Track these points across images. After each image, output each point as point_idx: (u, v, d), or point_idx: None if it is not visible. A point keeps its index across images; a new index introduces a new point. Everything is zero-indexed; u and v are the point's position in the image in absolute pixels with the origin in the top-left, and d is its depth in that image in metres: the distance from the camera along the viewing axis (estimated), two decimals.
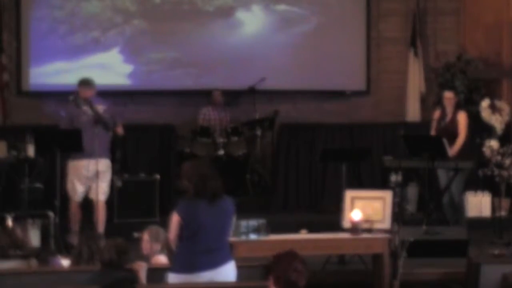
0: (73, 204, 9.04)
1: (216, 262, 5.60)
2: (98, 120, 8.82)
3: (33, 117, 11.14)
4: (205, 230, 5.57)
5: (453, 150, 9.38)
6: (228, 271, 5.68)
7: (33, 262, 6.50)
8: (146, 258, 6.67)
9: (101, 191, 9.01)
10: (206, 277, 5.56)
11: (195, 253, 5.57)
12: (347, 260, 8.15)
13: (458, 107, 9.84)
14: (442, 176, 9.53)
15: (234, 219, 5.87)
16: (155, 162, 10.90)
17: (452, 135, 9.45)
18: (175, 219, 5.65)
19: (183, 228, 5.60)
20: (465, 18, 12.03)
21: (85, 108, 8.95)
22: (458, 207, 9.59)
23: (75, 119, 8.97)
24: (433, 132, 9.67)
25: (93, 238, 6.38)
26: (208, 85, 11.60)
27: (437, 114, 9.80)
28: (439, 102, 11.25)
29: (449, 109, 9.66)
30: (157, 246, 6.76)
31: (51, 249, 8.41)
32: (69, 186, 8.99)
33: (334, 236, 7.55)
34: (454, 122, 9.59)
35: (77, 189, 8.96)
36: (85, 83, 9.14)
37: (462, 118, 9.63)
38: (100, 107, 9.00)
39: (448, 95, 9.73)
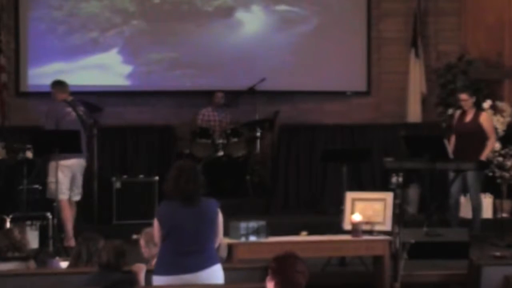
0: (63, 204, 9.06)
1: (195, 266, 5.49)
2: (81, 121, 9.11)
3: (31, 118, 11.10)
4: (181, 232, 5.50)
5: (483, 155, 9.32)
6: (211, 275, 5.54)
7: (32, 264, 6.46)
8: (147, 261, 6.64)
9: (78, 191, 9.27)
10: (188, 280, 5.48)
11: (173, 255, 5.51)
12: (348, 262, 8.11)
13: (477, 107, 9.74)
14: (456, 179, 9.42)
15: (219, 221, 5.69)
16: (154, 163, 10.87)
17: (473, 136, 9.35)
18: (155, 222, 5.64)
19: (161, 229, 5.57)
20: (466, 18, 12.00)
21: (69, 109, 9.05)
22: (476, 211, 9.54)
23: (60, 119, 9.04)
24: (453, 134, 9.56)
25: (92, 239, 6.34)
26: (208, 85, 11.56)
27: (456, 114, 9.70)
28: (440, 103, 11.26)
29: (468, 110, 9.56)
30: (156, 249, 6.73)
31: (50, 251, 8.38)
32: (52, 186, 9.00)
33: (335, 238, 7.52)
34: (475, 122, 9.48)
35: (63, 188, 9.05)
36: (61, 84, 9.30)
37: (485, 121, 9.53)
38: (81, 109, 9.23)
39: (463, 97, 9.60)
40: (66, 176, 9.07)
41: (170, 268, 5.52)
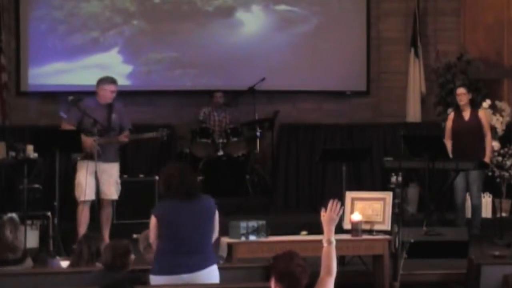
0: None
1: (194, 266, 5.49)
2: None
3: (32, 117, 11.12)
4: (180, 231, 5.50)
5: (487, 156, 9.34)
6: (208, 276, 5.55)
7: (28, 263, 6.38)
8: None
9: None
10: (186, 280, 5.48)
11: (171, 255, 5.50)
12: (347, 261, 8.12)
13: (474, 105, 9.74)
14: (460, 179, 9.39)
15: (216, 219, 5.73)
16: (154, 162, 10.87)
17: (473, 135, 9.34)
18: (152, 220, 5.62)
19: (159, 228, 5.56)
20: (465, 18, 12.02)
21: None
22: (476, 209, 9.54)
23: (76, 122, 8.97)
24: (447, 135, 9.53)
25: (93, 238, 6.35)
26: (208, 85, 11.58)
27: (451, 116, 9.66)
28: (439, 103, 11.27)
29: (465, 106, 9.53)
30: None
31: (50, 250, 8.38)
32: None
33: (334, 237, 7.51)
34: (475, 119, 9.47)
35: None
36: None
37: (484, 116, 9.54)
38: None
39: (461, 90, 9.57)
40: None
41: (169, 268, 5.50)
